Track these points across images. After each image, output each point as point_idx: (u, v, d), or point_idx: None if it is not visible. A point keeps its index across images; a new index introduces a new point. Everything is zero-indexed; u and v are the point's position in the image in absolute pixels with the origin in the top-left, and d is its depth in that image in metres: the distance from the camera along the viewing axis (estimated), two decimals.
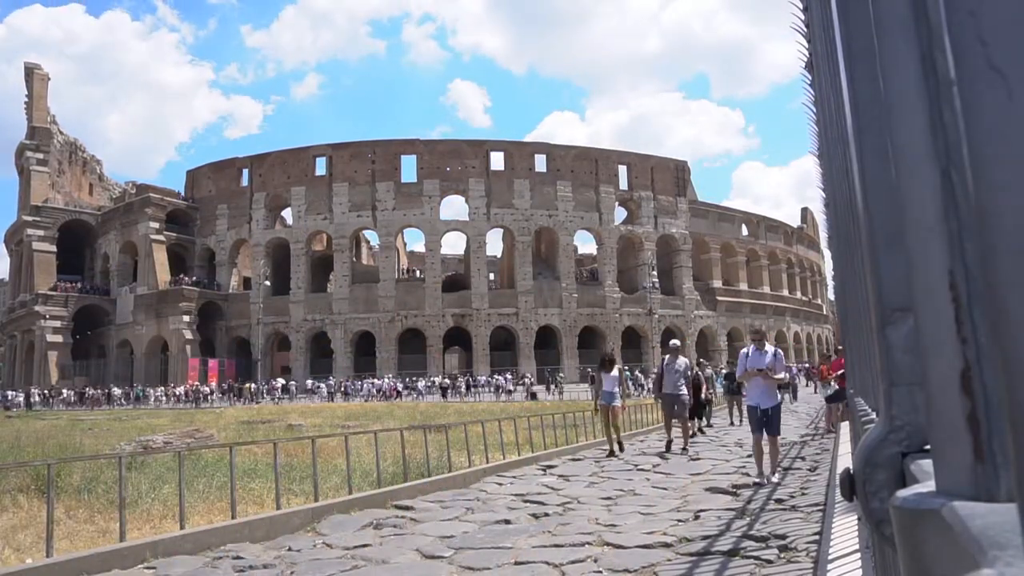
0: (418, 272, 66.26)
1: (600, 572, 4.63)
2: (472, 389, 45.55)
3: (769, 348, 8.46)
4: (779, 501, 6.93)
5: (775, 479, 8.12)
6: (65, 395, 50.61)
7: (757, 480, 8.12)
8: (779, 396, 8.57)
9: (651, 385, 25.39)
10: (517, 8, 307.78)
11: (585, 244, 66.97)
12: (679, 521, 6.19)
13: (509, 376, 47.22)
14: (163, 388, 51.26)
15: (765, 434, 8.27)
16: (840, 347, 19.88)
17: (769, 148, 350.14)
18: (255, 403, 44.03)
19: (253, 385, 49.02)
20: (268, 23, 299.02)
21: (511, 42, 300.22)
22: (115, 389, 51.54)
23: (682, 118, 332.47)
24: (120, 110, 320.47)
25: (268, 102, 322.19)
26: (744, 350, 8.76)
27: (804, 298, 75.27)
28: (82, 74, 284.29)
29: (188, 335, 57.62)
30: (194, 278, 61.22)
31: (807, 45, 3.44)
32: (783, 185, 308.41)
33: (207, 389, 49.27)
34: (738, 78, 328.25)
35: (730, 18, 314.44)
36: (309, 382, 51.54)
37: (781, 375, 8.47)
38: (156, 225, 61.50)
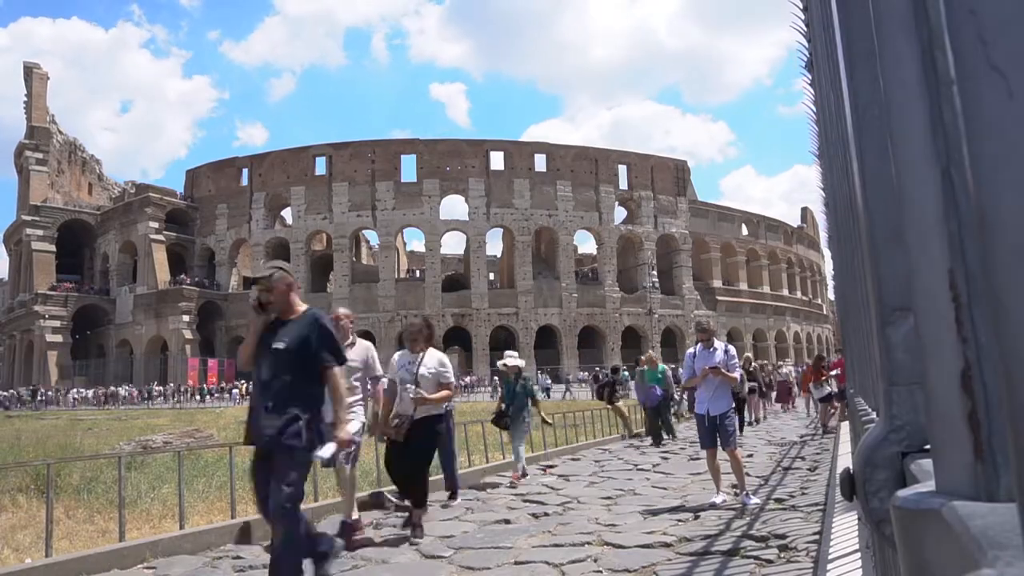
0: (418, 272, 66.27)
1: (600, 572, 4.63)
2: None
3: (719, 344, 7.32)
4: (779, 501, 6.93)
5: (754, 501, 6.77)
6: (70, 396, 50.38)
7: (716, 501, 6.79)
8: (731, 401, 7.26)
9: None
10: (482, 17, 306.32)
11: (585, 244, 67.07)
12: (679, 521, 6.19)
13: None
14: (162, 388, 51.16)
15: (720, 447, 6.98)
16: (823, 356, 19.50)
17: (751, 155, 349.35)
18: None
19: None
20: (240, 32, 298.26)
21: (474, 52, 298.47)
22: (120, 390, 51.42)
23: (668, 127, 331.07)
24: (119, 121, 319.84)
25: (265, 118, 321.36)
26: (690, 350, 7.51)
27: (804, 298, 75.30)
28: (80, 81, 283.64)
29: (188, 335, 57.65)
30: (194, 278, 61.22)
31: (807, 45, 3.44)
32: (773, 191, 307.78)
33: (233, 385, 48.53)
34: (709, 87, 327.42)
35: (694, 26, 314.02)
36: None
37: (735, 374, 7.28)
38: (156, 225, 61.54)
